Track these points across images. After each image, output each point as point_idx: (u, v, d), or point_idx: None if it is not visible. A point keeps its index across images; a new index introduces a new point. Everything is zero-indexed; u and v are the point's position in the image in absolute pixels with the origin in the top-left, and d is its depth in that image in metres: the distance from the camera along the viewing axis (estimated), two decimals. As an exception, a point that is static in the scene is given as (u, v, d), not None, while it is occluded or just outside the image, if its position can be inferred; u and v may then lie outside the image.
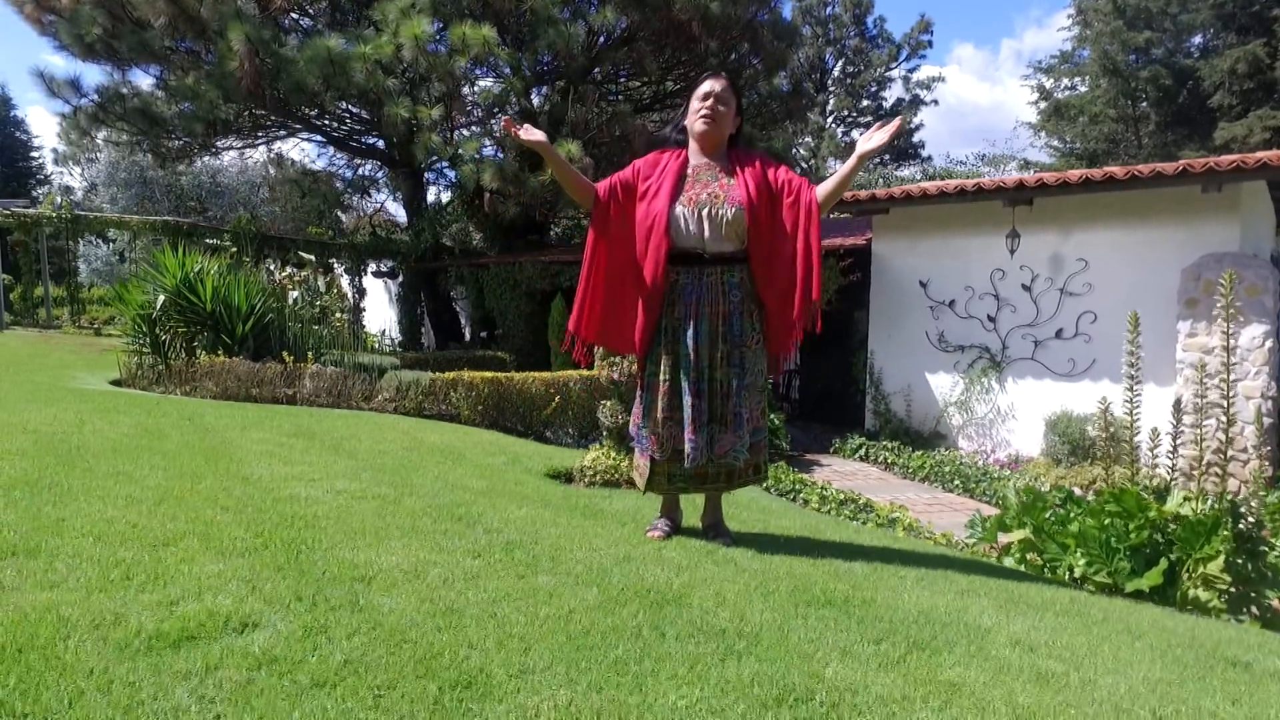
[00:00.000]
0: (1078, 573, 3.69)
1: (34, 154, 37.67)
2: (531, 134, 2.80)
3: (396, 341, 15.69)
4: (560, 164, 2.86)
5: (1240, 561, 3.48)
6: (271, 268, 14.70)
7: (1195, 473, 4.15)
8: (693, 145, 2.86)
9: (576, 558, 2.43)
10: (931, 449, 9.21)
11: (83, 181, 26.67)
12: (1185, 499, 3.73)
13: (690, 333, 2.74)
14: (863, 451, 9.40)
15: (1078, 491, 7.47)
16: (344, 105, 13.30)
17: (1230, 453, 7.40)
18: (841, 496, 6.82)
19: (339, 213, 19.50)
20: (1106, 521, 3.70)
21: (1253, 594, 3.56)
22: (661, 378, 2.78)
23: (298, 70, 11.30)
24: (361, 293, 15.73)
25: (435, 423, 6.81)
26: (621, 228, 2.84)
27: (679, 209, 2.76)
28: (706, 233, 2.75)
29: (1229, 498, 3.59)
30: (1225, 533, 3.42)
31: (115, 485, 2.94)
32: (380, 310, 16.85)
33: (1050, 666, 1.77)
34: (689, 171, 2.84)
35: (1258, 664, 1.98)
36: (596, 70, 14.32)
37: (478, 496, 3.35)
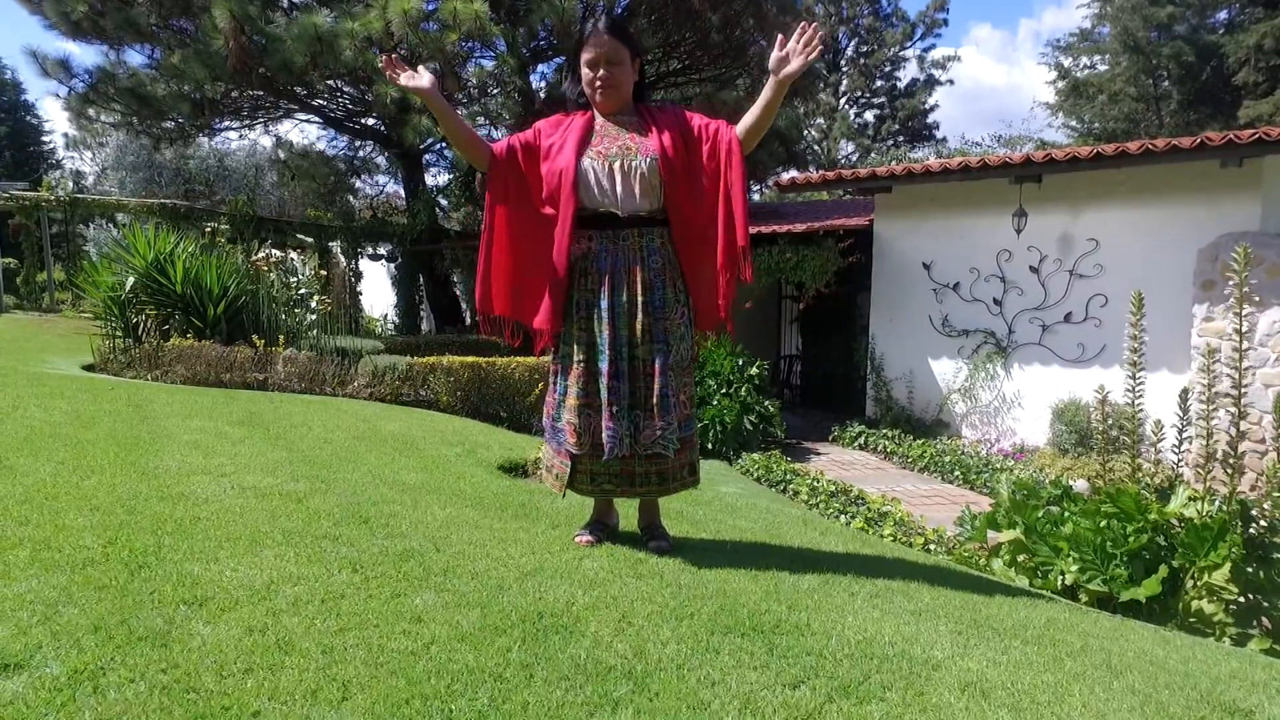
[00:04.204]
0: (1069, 580, 3.35)
1: (45, 138, 37.66)
2: (414, 80, 2.42)
3: (396, 325, 15.46)
4: (449, 117, 2.46)
5: (1251, 570, 3.13)
6: (275, 251, 14.46)
7: (1205, 466, 3.80)
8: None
9: (476, 570, 2.12)
10: (934, 438, 8.84)
11: (94, 166, 26.53)
12: (1190, 499, 3.38)
13: (606, 305, 2.40)
14: (862, 440, 9.05)
15: (1083, 484, 7.10)
16: (334, 84, 12.99)
17: (1247, 444, 6.96)
18: (833, 488, 6.50)
19: (349, 196, 19.18)
20: (1102, 524, 3.36)
21: (1264, 604, 3.21)
22: (576, 359, 2.44)
23: (284, 48, 10.99)
24: (358, 276, 15.46)
25: (406, 409, 6.52)
26: (522, 193, 2.50)
27: (587, 162, 2.42)
28: (620, 189, 2.41)
29: (1240, 496, 3.23)
30: (1234, 538, 3.07)
31: (-10, 482, 2.66)
32: (384, 294, 16.59)
33: (1001, 720, 1.45)
34: (596, 127, 2.51)
35: (1262, 711, 1.64)
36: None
37: (403, 494, 3.05)
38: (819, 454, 8.84)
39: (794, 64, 2.33)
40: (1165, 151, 7.13)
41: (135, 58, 13.48)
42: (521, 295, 2.50)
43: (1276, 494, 3.17)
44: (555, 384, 2.53)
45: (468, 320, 15.16)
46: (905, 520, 5.57)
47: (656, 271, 2.43)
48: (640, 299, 2.40)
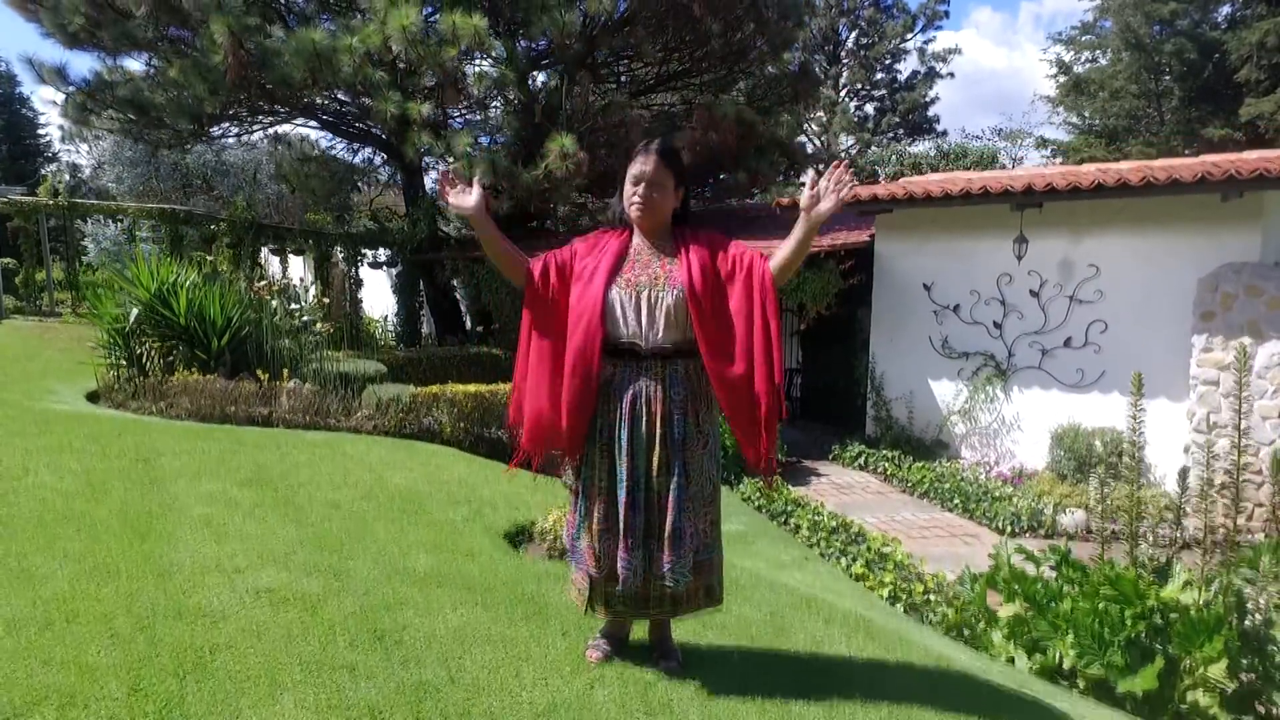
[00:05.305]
0: (1068, 664, 3.42)
1: (41, 131, 37.47)
2: (462, 200, 2.47)
3: (397, 331, 15.48)
4: (493, 237, 2.50)
5: (1245, 660, 3.20)
6: (275, 262, 14.45)
7: (1204, 495, 3.87)
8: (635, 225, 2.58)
9: (491, 711, 2.18)
10: (933, 458, 8.92)
11: (90, 160, 26.44)
12: (1186, 583, 3.44)
13: (625, 437, 2.44)
14: (862, 460, 9.13)
15: (1081, 515, 7.16)
16: (334, 95, 12.96)
17: (1244, 476, 7.03)
18: (834, 523, 6.56)
19: (350, 195, 19.07)
20: (1100, 606, 3.42)
21: (1258, 692, 3.28)
22: (598, 484, 2.49)
23: (283, 63, 10.96)
24: (359, 283, 15.48)
25: (411, 446, 6.55)
26: (556, 313, 2.54)
27: (615, 293, 2.47)
28: (644, 321, 2.46)
29: (1235, 588, 3.29)
30: (1229, 632, 3.13)
31: (8, 593, 2.71)
32: (385, 297, 16.56)
33: None
34: (629, 252, 2.56)
35: None
36: (599, 53, 13.86)
37: (415, 589, 3.11)
38: (819, 474, 8.91)
39: (826, 204, 2.37)
40: (1166, 184, 7.15)
41: (133, 64, 13.44)
42: (550, 410, 2.51)
43: (1272, 588, 3.23)
44: (577, 504, 2.57)
45: (468, 326, 15.19)
46: (905, 563, 5.64)
47: (679, 403, 2.46)
48: (659, 431, 2.43)
